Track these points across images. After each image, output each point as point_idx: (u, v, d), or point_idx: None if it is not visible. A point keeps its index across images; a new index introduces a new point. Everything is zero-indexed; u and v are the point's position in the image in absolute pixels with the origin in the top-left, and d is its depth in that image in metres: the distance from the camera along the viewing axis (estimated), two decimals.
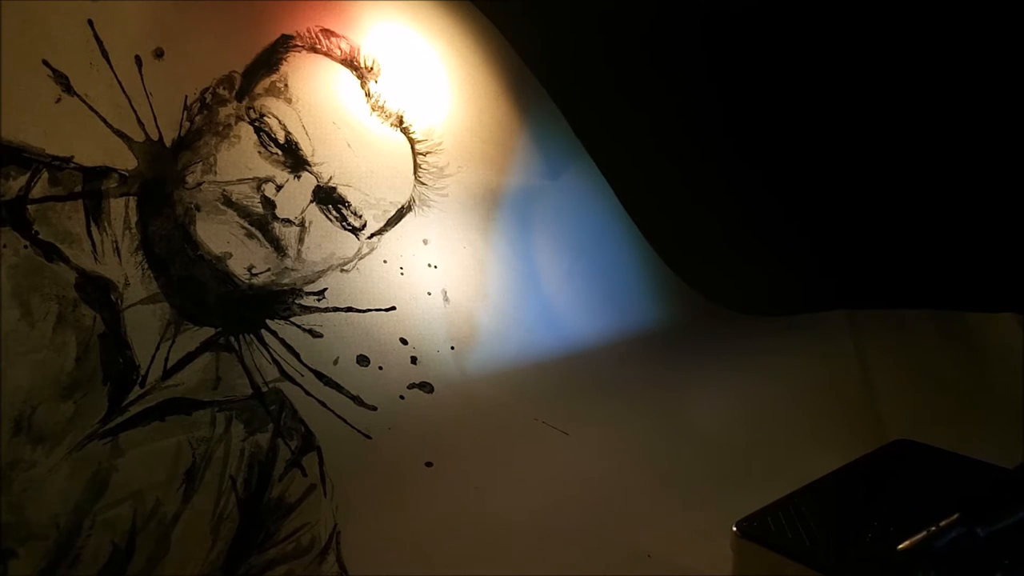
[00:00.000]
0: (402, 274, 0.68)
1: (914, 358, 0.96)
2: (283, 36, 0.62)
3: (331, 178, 0.63)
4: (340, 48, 0.64)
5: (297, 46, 0.62)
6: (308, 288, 0.63)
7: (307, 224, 0.62)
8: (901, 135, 0.53)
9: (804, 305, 0.84)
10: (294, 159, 0.61)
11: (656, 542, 0.71)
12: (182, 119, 0.57)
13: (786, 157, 0.60)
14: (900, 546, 0.50)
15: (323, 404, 0.63)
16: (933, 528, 0.50)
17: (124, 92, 0.55)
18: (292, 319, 0.62)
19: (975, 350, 0.96)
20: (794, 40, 0.52)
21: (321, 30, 0.63)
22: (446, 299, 0.70)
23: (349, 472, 0.63)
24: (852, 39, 0.50)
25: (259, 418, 0.60)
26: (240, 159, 0.59)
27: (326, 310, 0.64)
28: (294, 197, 0.61)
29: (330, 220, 0.63)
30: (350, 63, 0.64)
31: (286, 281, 0.62)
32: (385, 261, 0.67)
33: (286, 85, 0.61)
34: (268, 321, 0.61)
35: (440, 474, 0.67)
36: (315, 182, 0.62)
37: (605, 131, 0.73)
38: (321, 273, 0.63)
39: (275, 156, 0.60)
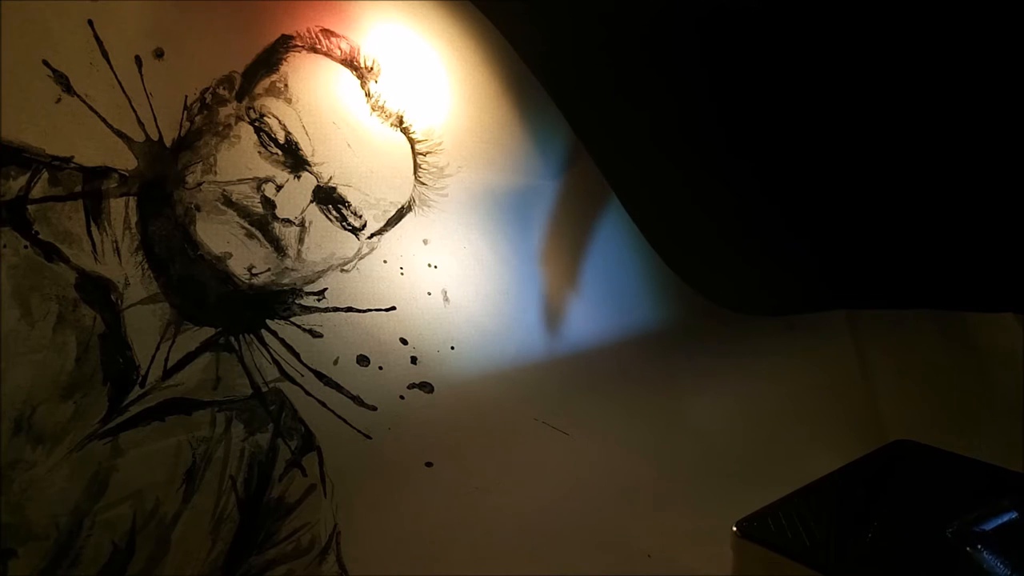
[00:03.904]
0: (402, 274, 0.68)
1: (914, 358, 0.96)
2: (283, 36, 0.62)
3: (331, 178, 0.63)
4: (340, 48, 0.64)
5: (297, 46, 0.62)
6: (308, 288, 0.63)
7: (307, 224, 0.62)
8: (901, 135, 0.53)
9: (804, 305, 0.83)
10: (294, 159, 0.61)
11: (656, 542, 0.71)
12: (182, 119, 0.57)
13: (786, 157, 0.60)
14: (949, 530, 0.53)
15: (323, 404, 0.63)
16: (983, 511, 0.53)
17: (124, 92, 0.55)
18: (292, 319, 0.62)
19: (975, 350, 0.96)
20: (794, 40, 0.52)
21: (321, 30, 0.63)
22: (446, 299, 0.70)
23: (349, 472, 0.63)
24: (852, 39, 0.50)
25: (259, 418, 0.60)
26: (240, 159, 0.59)
27: (326, 310, 0.64)
28: (294, 197, 0.61)
29: (330, 220, 0.63)
30: (350, 63, 0.64)
31: (286, 281, 0.62)
32: (385, 261, 0.67)
33: (286, 85, 0.61)
34: (268, 321, 0.61)
35: (440, 474, 0.67)
36: (315, 182, 0.62)
37: (605, 131, 0.72)
38: (321, 273, 0.63)
39: (275, 156, 0.60)
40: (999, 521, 0.53)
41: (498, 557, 0.67)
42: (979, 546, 0.52)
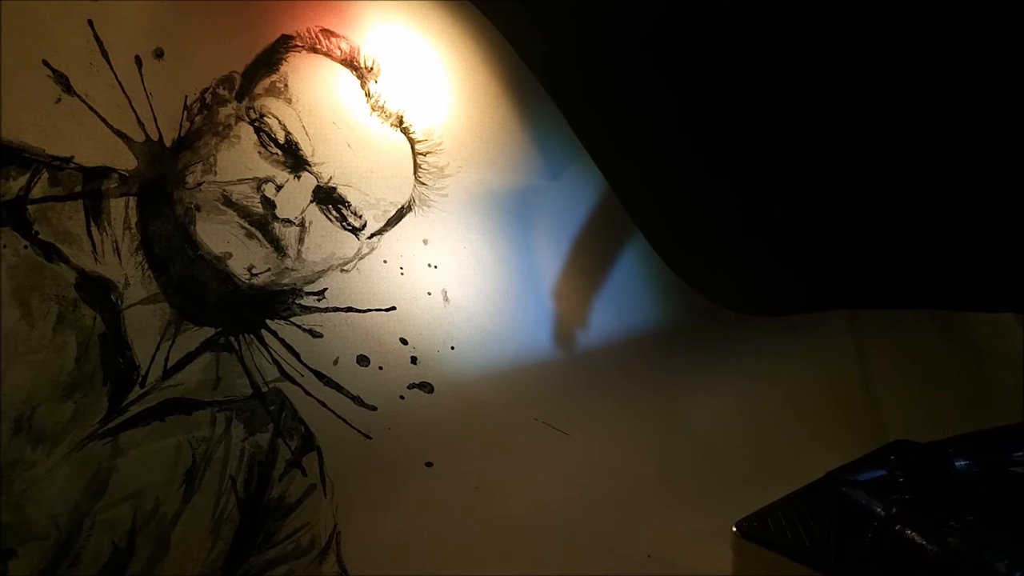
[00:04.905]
0: (402, 274, 0.68)
1: (914, 358, 0.96)
2: (283, 36, 0.62)
3: (331, 178, 0.63)
4: (340, 48, 0.64)
5: (297, 46, 0.62)
6: (308, 288, 0.63)
7: (307, 224, 0.62)
8: (901, 135, 0.53)
9: (804, 305, 0.83)
10: (294, 159, 0.61)
11: (656, 542, 0.71)
12: (182, 119, 0.57)
13: (786, 157, 0.60)
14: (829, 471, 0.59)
15: (323, 404, 0.63)
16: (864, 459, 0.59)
17: (124, 92, 0.55)
18: (292, 319, 0.62)
19: (975, 350, 0.96)
20: (794, 40, 0.52)
21: (321, 30, 0.63)
22: (446, 299, 0.70)
23: (349, 472, 0.63)
24: (852, 39, 0.50)
25: (259, 418, 0.60)
26: (240, 159, 0.59)
27: (326, 310, 0.64)
28: (294, 197, 0.61)
29: (330, 220, 0.63)
30: (350, 63, 0.64)
31: (286, 281, 0.62)
32: (385, 261, 0.67)
33: (286, 85, 0.61)
34: (268, 321, 0.61)
35: (440, 474, 0.67)
36: (315, 182, 0.62)
37: (605, 131, 0.73)
38: (321, 273, 0.63)
39: (275, 156, 0.60)
40: (871, 475, 0.59)
41: (498, 557, 0.67)
42: (854, 487, 0.57)
